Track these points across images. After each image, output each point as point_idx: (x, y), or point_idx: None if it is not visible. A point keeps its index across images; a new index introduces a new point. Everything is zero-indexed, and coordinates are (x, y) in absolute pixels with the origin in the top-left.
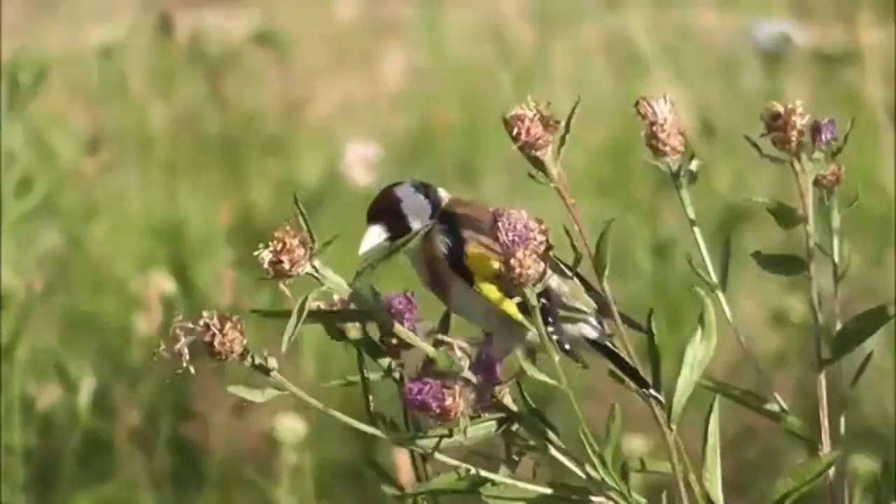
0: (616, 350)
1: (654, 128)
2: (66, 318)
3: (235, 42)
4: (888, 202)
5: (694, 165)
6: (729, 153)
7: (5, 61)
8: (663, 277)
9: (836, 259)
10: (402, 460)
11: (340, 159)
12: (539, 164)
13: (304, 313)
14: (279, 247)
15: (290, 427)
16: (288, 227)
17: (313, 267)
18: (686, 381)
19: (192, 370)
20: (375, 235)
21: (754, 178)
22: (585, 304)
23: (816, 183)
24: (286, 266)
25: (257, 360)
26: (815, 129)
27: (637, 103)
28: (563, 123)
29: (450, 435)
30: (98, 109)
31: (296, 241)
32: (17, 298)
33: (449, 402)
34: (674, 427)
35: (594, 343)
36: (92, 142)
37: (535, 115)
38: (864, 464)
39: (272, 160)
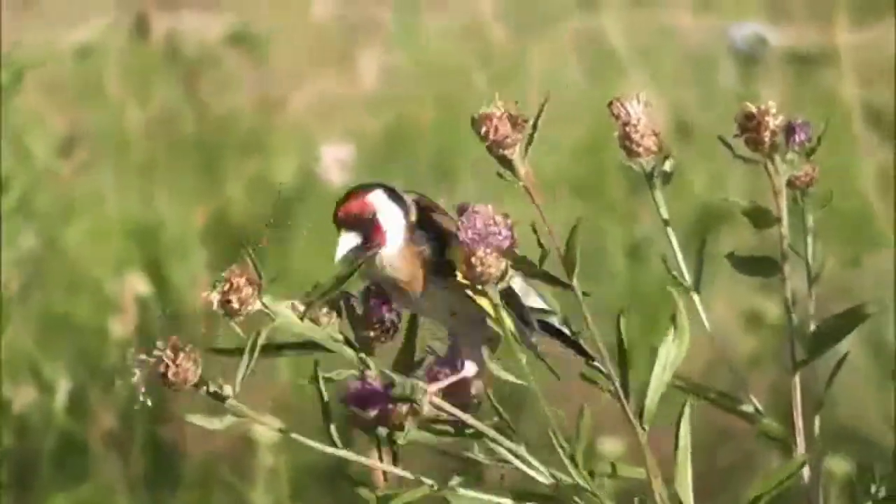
0: (560, 328)
1: (628, 128)
2: (42, 319)
3: (211, 43)
4: (864, 203)
5: (668, 166)
6: (705, 154)
7: None
8: (638, 278)
9: (810, 260)
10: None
11: (316, 160)
12: (507, 162)
13: (256, 351)
14: (227, 287)
15: (267, 429)
16: (234, 267)
17: (263, 304)
18: (659, 380)
19: (149, 403)
20: (350, 241)
21: (730, 179)
22: (551, 305)
23: (790, 184)
24: (235, 306)
25: (212, 389)
26: (789, 130)
27: (610, 104)
28: (531, 122)
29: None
30: (74, 110)
31: (243, 280)
32: None
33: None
34: (646, 427)
35: (543, 325)
36: (68, 143)
37: (503, 114)
38: (840, 465)
39: (248, 161)
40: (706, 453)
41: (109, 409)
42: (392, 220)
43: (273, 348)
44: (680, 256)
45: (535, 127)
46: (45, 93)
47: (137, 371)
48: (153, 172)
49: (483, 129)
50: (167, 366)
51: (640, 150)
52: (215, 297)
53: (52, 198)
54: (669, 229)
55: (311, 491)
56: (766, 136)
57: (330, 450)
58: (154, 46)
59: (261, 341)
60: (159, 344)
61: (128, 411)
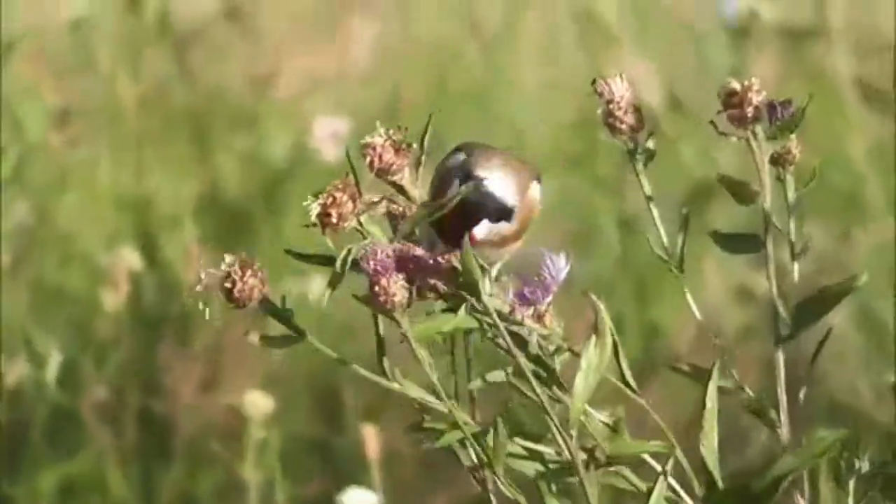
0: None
1: (611, 106)
2: (34, 291)
3: (204, 17)
4: (857, 178)
5: (651, 143)
6: (697, 127)
7: None
8: (630, 252)
9: (793, 236)
10: (369, 435)
11: (309, 134)
12: (398, 188)
13: (348, 265)
14: (329, 200)
15: (258, 402)
16: (338, 182)
17: (359, 223)
18: (583, 387)
19: (208, 315)
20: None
21: (722, 153)
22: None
23: (773, 160)
24: (334, 220)
25: (277, 308)
26: (771, 106)
27: (594, 81)
28: (416, 145)
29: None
30: (67, 83)
31: (345, 196)
32: None
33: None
34: (573, 433)
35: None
36: (61, 115)
37: (385, 141)
38: (826, 439)
39: (240, 135)
40: (696, 428)
41: (101, 382)
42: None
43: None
44: (663, 233)
45: (421, 149)
46: (37, 65)
47: (204, 282)
48: (146, 146)
49: (367, 159)
50: (234, 281)
51: (624, 127)
52: (315, 209)
53: (45, 170)
54: (653, 206)
55: (302, 465)
56: (749, 112)
57: (387, 383)
58: (146, 20)
59: (352, 257)
60: (227, 259)
61: (120, 384)
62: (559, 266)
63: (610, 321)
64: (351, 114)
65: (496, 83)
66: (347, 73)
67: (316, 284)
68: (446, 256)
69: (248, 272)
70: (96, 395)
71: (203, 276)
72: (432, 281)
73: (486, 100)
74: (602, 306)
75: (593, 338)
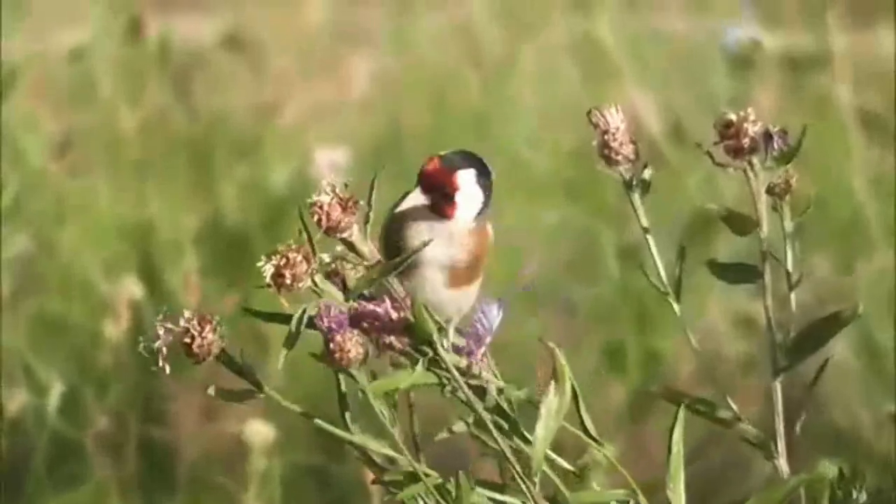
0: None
1: (606, 137)
2: (35, 321)
3: (204, 46)
4: (858, 208)
5: (648, 174)
6: (698, 157)
7: None
8: (631, 281)
9: (790, 266)
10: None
11: (310, 164)
12: (349, 245)
13: (303, 323)
14: (282, 261)
15: (260, 431)
16: (291, 242)
17: (314, 282)
18: (543, 434)
19: (168, 370)
20: (418, 198)
21: (724, 183)
22: None
23: (769, 191)
24: (288, 281)
25: (236, 362)
26: (767, 137)
27: (589, 112)
28: (363, 202)
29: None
30: (68, 112)
31: (299, 257)
32: None
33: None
34: (536, 480)
35: None
36: (61, 145)
37: (332, 199)
38: (824, 470)
39: (241, 164)
40: (695, 456)
41: (103, 411)
42: (467, 203)
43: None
44: (660, 263)
45: (369, 205)
46: (38, 95)
47: (162, 336)
48: (147, 175)
49: (315, 218)
50: (193, 337)
51: (619, 158)
52: (268, 270)
53: (46, 200)
54: (650, 236)
55: (304, 494)
56: (745, 142)
57: (347, 436)
58: (147, 49)
59: (307, 316)
60: (185, 314)
61: (122, 413)
62: (492, 316)
63: (568, 369)
64: (351, 143)
65: (496, 112)
66: (348, 102)
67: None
68: (402, 313)
69: (207, 328)
70: (98, 425)
71: (161, 332)
72: (388, 339)
73: (487, 129)
74: (560, 353)
75: (552, 385)
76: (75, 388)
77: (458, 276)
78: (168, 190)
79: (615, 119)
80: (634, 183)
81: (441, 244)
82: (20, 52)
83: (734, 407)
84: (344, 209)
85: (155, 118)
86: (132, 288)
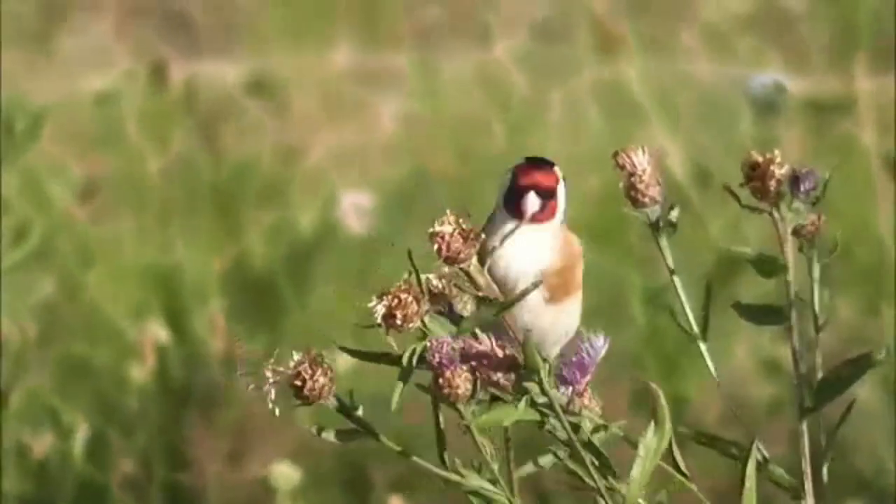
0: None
1: (633, 179)
2: (61, 365)
3: (229, 90)
4: (884, 253)
5: (673, 216)
6: (723, 201)
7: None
8: (657, 325)
9: (817, 309)
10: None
11: (335, 207)
12: (465, 274)
13: (414, 362)
14: (394, 302)
15: (286, 474)
16: (402, 283)
17: (423, 323)
18: (640, 474)
19: (277, 412)
20: (536, 203)
21: (750, 226)
22: None
23: (796, 233)
24: (399, 322)
25: (346, 405)
26: (794, 179)
27: (615, 154)
28: (482, 235)
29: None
30: (93, 157)
31: (410, 298)
32: (13, 346)
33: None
34: None
35: None
36: (87, 189)
37: (454, 230)
38: None
39: (267, 208)
40: (728, 499)
41: (128, 455)
42: (563, 205)
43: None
44: (687, 305)
45: (476, 237)
46: (64, 139)
47: (271, 380)
48: (172, 219)
49: (436, 247)
50: (304, 380)
51: (646, 200)
52: (380, 310)
53: (72, 244)
54: (676, 278)
55: None
56: (772, 185)
57: (448, 475)
58: (172, 93)
59: (416, 356)
60: (296, 356)
61: (147, 457)
62: (597, 346)
63: (665, 410)
64: (377, 186)
65: (522, 155)
66: (374, 147)
67: (342, 358)
68: (508, 351)
69: (319, 371)
70: (123, 469)
71: (270, 374)
72: (496, 376)
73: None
74: (660, 393)
75: (652, 425)
76: (101, 431)
77: (554, 286)
78: (194, 234)
79: (642, 160)
80: (661, 224)
81: (529, 252)
82: (47, 97)
83: (763, 449)
84: (465, 240)
85: (180, 162)
86: (157, 332)
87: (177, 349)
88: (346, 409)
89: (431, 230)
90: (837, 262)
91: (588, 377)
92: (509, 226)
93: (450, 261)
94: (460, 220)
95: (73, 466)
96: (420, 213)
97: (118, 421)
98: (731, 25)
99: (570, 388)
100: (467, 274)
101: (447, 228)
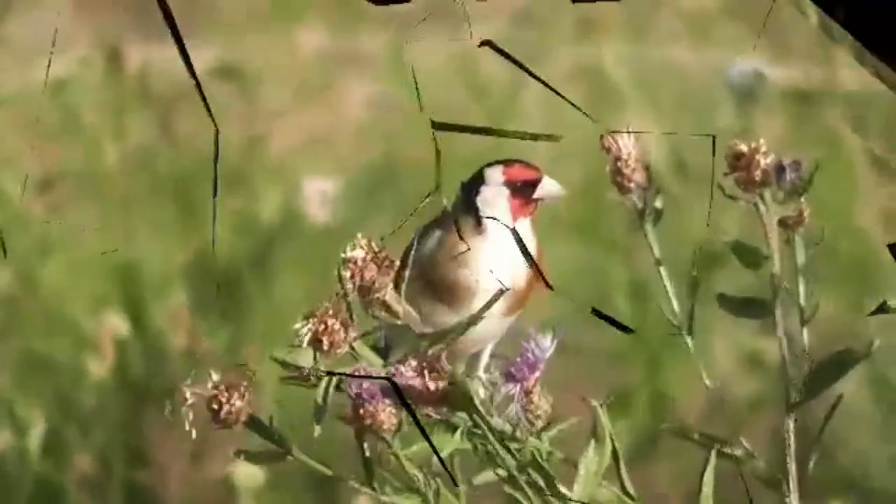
0: None
1: (619, 163)
2: (17, 360)
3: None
4: (867, 245)
5: (659, 202)
6: (703, 191)
7: None
8: (639, 319)
9: (802, 301)
10: None
11: (299, 195)
12: (383, 305)
13: (330, 390)
14: (320, 327)
15: (248, 474)
16: (327, 305)
17: (352, 348)
18: (582, 494)
19: (194, 434)
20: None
21: (729, 217)
22: None
23: (781, 223)
24: (325, 347)
25: (265, 428)
26: (779, 169)
27: (602, 137)
28: (398, 262)
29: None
30: (49, 147)
31: (337, 323)
32: None
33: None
34: None
35: None
36: (44, 180)
37: (366, 257)
38: None
39: (230, 197)
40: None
41: (87, 452)
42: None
43: None
44: (673, 296)
45: (403, 264)
46: (18, 130)
47: (189, 401)
48: (132, 210)
49: (349, 275)
50: (220, 403)
51: (632, 185)
52: (306, 336)
53: (29, 236)
54: (662, 268)
55: None
56: (757, 175)
57: (378, 497)
58: (130, 80)
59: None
60: (213, 377)
61: (106, 455)
62: (544, 345)
63: (610, 426)
64: (345, 174)
65: (499, 145)
66: (342, 133)
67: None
68: (440, 384)
69: (235, 395)
70: (81, 466)
71: (188, 395)
72: (426, 409)
73: (487, 158)
74: (602, 412)
75: (592, 443)
76: (58, 427)
77: (520, 299)
78: (154, 224)
79: (628, 144)
80: (647, 212)
81: (504, 265)
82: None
83: (746, 444)
84: (379, 267)
85: (140, 151)
86: (117, 325)
87: (137, 343)
88: (264, 432)
89: (343, 255)
90: (820, 254)
91: (537, 374)
92: (494, 227)
93: (364, 291)
94: (373, 245)
95: (29, 464)
96: (385, 201)
97: (76, 417)
98: (711, 12)
99: (518, 385)
100: (385, 304)
101: (359, 254)
